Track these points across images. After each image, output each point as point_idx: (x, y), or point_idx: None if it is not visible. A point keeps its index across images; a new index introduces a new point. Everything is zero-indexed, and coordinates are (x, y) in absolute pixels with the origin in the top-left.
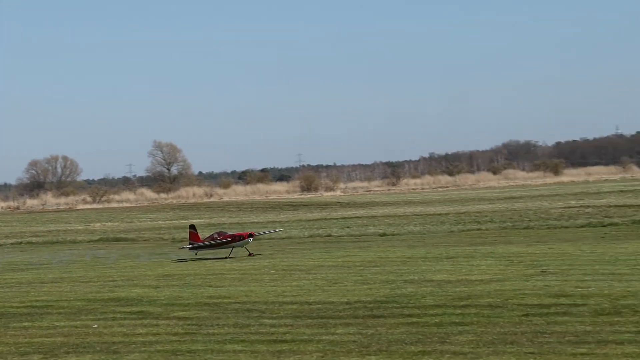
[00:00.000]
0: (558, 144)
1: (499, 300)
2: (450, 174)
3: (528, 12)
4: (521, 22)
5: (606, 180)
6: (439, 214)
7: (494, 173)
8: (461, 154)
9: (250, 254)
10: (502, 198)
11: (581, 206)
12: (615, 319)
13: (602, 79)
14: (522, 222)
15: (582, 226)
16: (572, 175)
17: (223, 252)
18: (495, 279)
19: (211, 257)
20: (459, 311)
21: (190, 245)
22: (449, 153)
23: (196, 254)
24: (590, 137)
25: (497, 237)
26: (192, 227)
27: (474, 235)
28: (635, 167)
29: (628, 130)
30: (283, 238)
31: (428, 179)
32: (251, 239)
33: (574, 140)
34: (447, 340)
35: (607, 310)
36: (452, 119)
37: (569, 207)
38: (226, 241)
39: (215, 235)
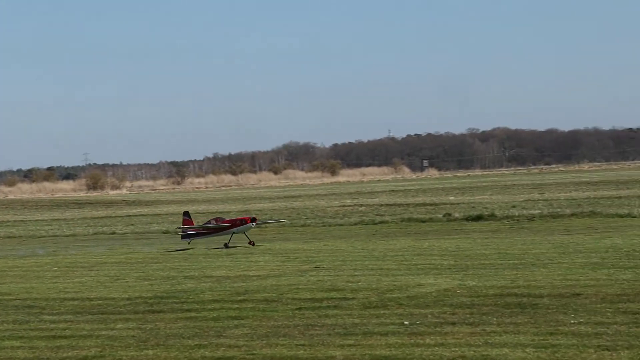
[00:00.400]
0: (335, 145)
1: (274, 294)
2: (234, 173)
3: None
4: (301, 31)
5: (379, 181)
6: (222, 212)
7: (275, 173)
8: (244, 154)
9: (250, 242)
10: (282, 197)
11: (355, 205)
12: (382, 312)
13: (375, 85)
14: (299, 219)
15: (355, 224)
16: (347, 176)
17: (218, 241)
18: (272, 274)
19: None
20: (236, 306)
21: (184, 233)
22: (232, 153)
23: (189, 243)
24: (365, 139)
25: (276, 234)
26: (186, 213)
27: (253, 232)
28: (405, 168)
29: (399, 134)
30: (67, 235)
31: (212, 178)
32: (254, 224)
33: (350, 142)
34: (224, 334)
35: (374, 303)
36: (233, 120)
37: (344, 206)
38: (225, 227)
39: (212, 222)
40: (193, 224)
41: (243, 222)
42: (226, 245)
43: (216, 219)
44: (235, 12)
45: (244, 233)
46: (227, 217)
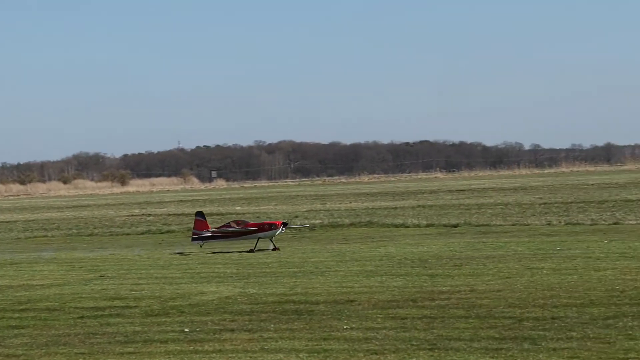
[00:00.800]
0: (125, 156)
1: (57, 303)
2: (22, 183)
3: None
4: (85, 42)
5: (168, 191)
6: (8, 222)
7: (65, 183)
8: (33, 164)
9: (275, 248)
10: (70, 206)
11: (143, 214)
12: (163, 319)
13: (165, 96)
14: (87, 229)
15: (143, 233)
16: (137, 186)
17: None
18: (56, 283)
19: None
20: (17, 315)
21: (196, 236)
22: (21, 163)
23: (201, 246)
24: (155, 150)
25: (63, 243)
26: (199, 214)
27: (40, 242)
28: (194, 179)
29: (189, 145)
30: None
31: (0, 187)
32: (284, 228)
33: (140, 153)
34: (2, 344)
35: (156, 311)
36: (23, 129)
37: (132, 216)
38: (251, 230)
39: (233, 225)
40: (208, 226)
41: (273, 226)
42: (252, 250)
43: (237, 222)
44: (18, 23)
45: (270, 238)
46: (250, 221)
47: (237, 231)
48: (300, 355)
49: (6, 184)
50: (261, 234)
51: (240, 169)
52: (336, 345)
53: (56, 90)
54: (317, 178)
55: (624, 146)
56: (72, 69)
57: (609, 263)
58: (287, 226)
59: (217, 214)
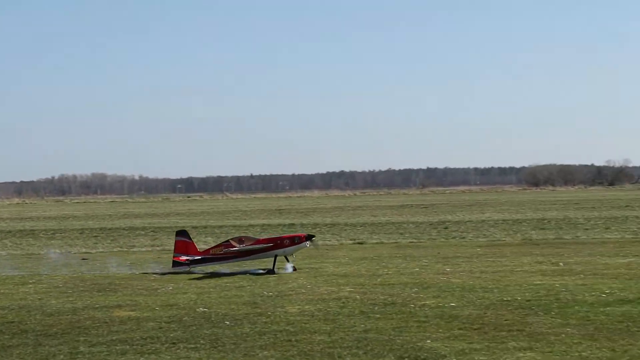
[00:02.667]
0: None
1: None
2: None
3: None
4: None
5: None
6: None
7: None
8: None
9: (293, 268)
10: None
11: None
12: None
13: None
14: None
15: None
16: None
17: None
18: None
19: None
20: None
21: (189, 259)
22: None
23: (190, 269)
24: None
25: None
26: (182, 233)
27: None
28: None
29: None
30: None
31: None
32: (308, 243)
33: None
34: None
35: None
36: None
37: None
38: (264, 248)
39: (233, 243)
40: (195, 248)
41: (296, 240)
42: (272, 271)
43: (239, 239)
44: None
45: (286, 257)
46: (258, 237)
47: (248, 250)
48: None
49: None
50: (279, 251)
51: None
52: None
53: None
54: None
55: None
56: None
57: None
58: (315, 242)
59: None
